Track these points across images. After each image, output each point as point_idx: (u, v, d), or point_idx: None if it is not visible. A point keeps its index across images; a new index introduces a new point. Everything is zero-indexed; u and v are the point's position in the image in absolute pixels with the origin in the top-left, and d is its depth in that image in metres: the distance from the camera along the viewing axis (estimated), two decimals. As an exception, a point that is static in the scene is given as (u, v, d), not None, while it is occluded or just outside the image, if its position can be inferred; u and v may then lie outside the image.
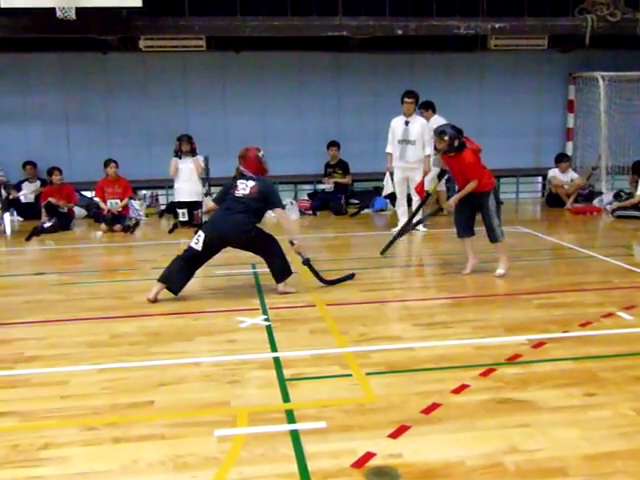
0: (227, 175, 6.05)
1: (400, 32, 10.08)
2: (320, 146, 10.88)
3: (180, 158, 9.19)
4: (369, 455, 2.90)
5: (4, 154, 10.19)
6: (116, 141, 10.77)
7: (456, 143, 5.90)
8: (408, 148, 8.37)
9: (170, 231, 8.97)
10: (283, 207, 5.96)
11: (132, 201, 9.84)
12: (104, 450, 3.03)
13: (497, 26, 10.22)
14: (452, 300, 5.44)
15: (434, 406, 3.38)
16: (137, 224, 9.53)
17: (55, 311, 5.28)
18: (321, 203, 10.52)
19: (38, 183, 10.17)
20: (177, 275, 5.46)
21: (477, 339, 4.44)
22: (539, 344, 4.27)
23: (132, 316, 5.10)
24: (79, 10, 8.50)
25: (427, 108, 9.29)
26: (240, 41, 10.57)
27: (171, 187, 9.69)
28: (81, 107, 10.80)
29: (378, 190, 10.14)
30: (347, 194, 10.72)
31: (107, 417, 3.35)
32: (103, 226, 9.14)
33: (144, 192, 10.69)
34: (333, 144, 10.80)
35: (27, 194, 10.11)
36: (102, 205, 9.43)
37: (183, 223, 9.15)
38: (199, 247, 5.41)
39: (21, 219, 9.98)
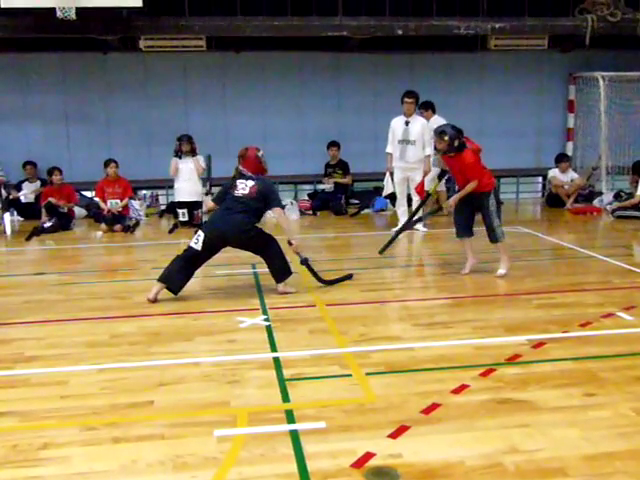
0: (227, 175, 6.04)
1: (400, 32, 10.09)
2: (320, 146, 10.88)
3: (180, 158, 9.19)
4: (369, 455, 2.90)
5: (4, 154, 10.19)
6: (116, 141, 10.78)
7: (456, 143, 5.90)
8: (408, 148, 8.37)
9: (170, 231, 8.97)
10: (282, 207, 5.96)
11: (132, 201, 9.84)
12: (104, 450, 3.03)
13: (497, 26, 10.22)
14: (452, 300, 5.44)
15: (434, 406, 3.38)
16: (137, 224, 9.53)
17: (55, 311, 5.28)
18: (321, 203, 10.51)
19: (38, 183, 10.17)
20: (177, 275, 5.46)
21: (477, 339, 4.44)
22: (539, 344, 4.27)
23: (132, 316, 5.10)
24: (79, 10, 8.51)
25: (427, 108, 9.28)
26: (240, 41, 10.57)
27: (171, 187, 9.69)
28: (81, 107, 10.81)
29: (378, 190, 10.14)
30: (347, 194, 10.72)
31: (107, 417, 3.35)
32: (103, 226, 9.14)
33: (144, 192, 10.69)
34: (333, 144, 10.80)
35: (27, 194, 10.11)
36: (102, 205, 9.43)
37: (183, 223, 9.15)
38: (199, 247, 5.41)
39: (21, 219, 9.99)
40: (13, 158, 10.22)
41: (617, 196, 10.21)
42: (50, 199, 9.24)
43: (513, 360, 4.01)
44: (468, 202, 6.06)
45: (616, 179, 11.09)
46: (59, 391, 3.70)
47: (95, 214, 9.71)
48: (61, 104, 10.76)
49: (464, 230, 6.20)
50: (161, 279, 5.46)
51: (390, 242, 7.16)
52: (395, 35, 10.17)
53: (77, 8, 8.48)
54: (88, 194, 10.36)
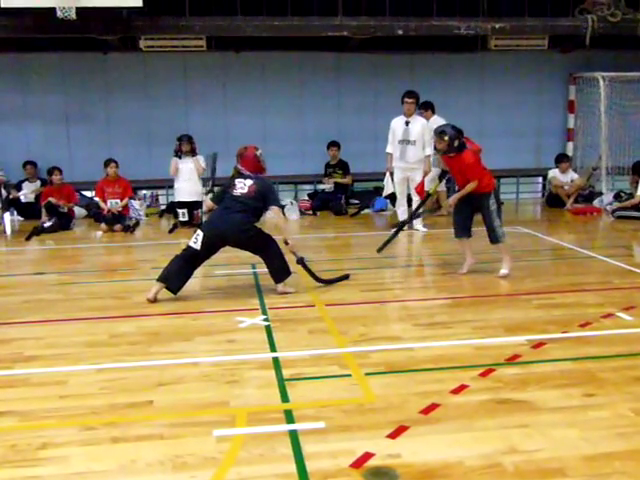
0: (228, 175, 6.05)
1: (400, 32, 10.08)
2: (320, 146, 10.88)
3: (180, 158, 9.19)
4: (368, 455, 2.90)
5: (4, 154, 10.18)
6: (116, 141, 10.77)
7: (456, 143, 5.89)
8: (408, 148, 8.37)
9: (170, 231, 8.96)
10: (281, 207, 5.96)
11: (132, 201, 9.83)
12: (103, 450, 3.02)
13: (497, 26, 10.21)
14: (452, 300, 5.44)
15: (433, 406, 3.38)
16: (137, 224, 9.53)
17: (54, 311, 5.28)
18: (321, 203, 10.51)
19: (38, 183, 10.17)
20: (176, 275, 5.46)
21: (477, 339, 4.43)
22: (539, 344, 4.27)
23: (131, 316, 5.10)
24: (79, 10, 8.50)
25: (426, 108, 9.29)
26: (240, 41, 10.56)
27: (171, 187, 9.69)
28: (81, 107, 10.80)
29: (378, 190, 10.14)
30: (347, 194, 10.72)
31: (106, 417, 3.35)
32: (103, 226, 9.14)
33: (144, 192, 10.68)
34: (333, 144, 10.80)
35: (27, 194, 10.11)
36: (102, 205, 9.43)
37: (183, 223, 9.14)
38: (198, 246, 5.40)
39: (21, 219, 9.99)
40: (13, 158, 10.21)
41: (617, 196, 10.21)
42: (50, 199, 9.24)
43: (513, 360, 4.01)
44: (468, 202, 6.05)
45: (616, 179, 11.08)
46: (58, 391, 3.70)
47: (95, 214, 9.71)
48: (61, 104, 10.75)
49: (462, 230, 6.20)
50: (160, 279, 5.46)
51: (388, 241, 7.15)
52: (395, 35, 10.16)
53: (77, 8, 8.47)
54: (88, 194, 10.36)
